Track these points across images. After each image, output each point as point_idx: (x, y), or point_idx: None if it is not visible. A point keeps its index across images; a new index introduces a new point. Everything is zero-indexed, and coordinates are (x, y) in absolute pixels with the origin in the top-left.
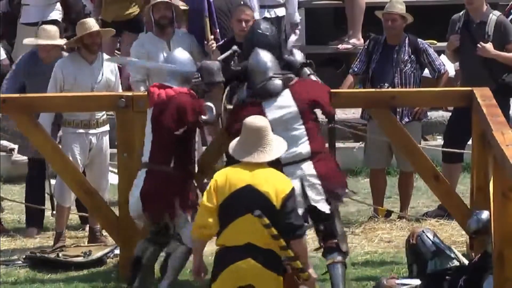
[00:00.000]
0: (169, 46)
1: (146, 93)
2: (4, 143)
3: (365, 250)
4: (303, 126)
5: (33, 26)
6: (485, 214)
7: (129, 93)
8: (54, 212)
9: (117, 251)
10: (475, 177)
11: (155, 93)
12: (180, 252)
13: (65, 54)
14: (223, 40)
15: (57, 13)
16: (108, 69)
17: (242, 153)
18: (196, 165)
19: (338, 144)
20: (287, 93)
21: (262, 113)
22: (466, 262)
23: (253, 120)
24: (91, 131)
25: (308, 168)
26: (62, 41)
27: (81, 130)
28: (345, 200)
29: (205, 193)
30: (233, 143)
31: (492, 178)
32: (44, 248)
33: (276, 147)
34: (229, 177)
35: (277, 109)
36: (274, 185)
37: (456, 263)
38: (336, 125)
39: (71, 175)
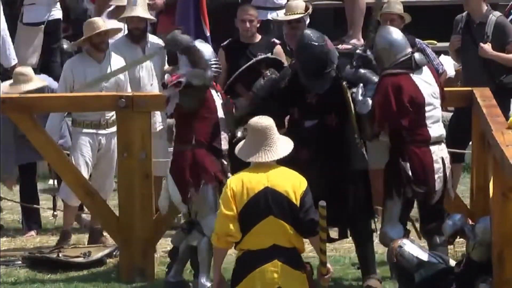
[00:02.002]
0: (144, 52)
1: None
2: None
3: None
4: (439, 107)
5: (37, 26)
6: (458, 217)
7: (129, 93)
8: (56, 213)
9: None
10: (475, 177)
11: (172, 77)
12: (204, 244)
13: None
14: (228, 40)
15: (59, 13)
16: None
17: (248, 153)
18: (224, 142)
19: None
20: (427, 70)
21: (412, 82)
22: (452, 262)
23: (258, 120)
24: (101, 131)
25: (445, 150)
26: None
27: (91, 130)
28: None
29: (221, 201)
30: (240, 144)
31: (492, 178)
32: (44, 248)
33: (282, 146)
34: (245, 182)
35: (424, 83)
36: (291, 184)
37: (442, 266)
38: None
39: (72, 176)
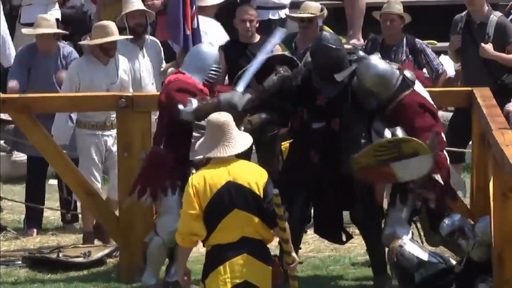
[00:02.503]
0: (143, 53)
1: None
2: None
3: (365, 250)
4: None
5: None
6: (457, 217)
7: (129, 93)
8: (69, 215)
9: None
10: (475, 177)
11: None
12: (154, 242)
13: (61, 44)
14: (226, 41)
15: (58, 13)
16: (122, 69)
17: (208, 149)
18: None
19: None
20: (418, 83)
21: (418, 96)
22: (453, 261)
23: (217, 116)
24: (106, 132)
25: None
26: (60, 30)
27: (96, 132)
28: None
29: (183, 200)
30: (200, 141)
31: (492, 178)
32: (44, 249)
33: (241, 141)
34: (207, 179)
35: (426, 94)
36: (252, 176)
37: (442, 266)
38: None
39: (72, 175)
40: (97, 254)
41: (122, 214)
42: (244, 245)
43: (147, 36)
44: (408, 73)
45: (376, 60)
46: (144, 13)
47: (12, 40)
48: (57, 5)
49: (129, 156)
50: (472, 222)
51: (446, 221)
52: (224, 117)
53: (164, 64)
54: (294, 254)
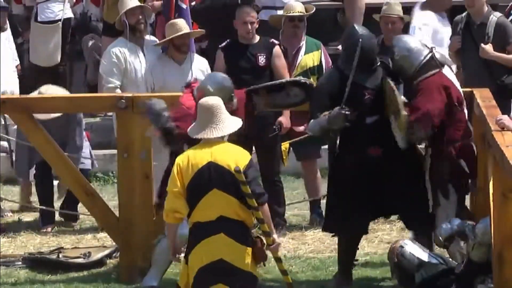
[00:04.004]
0: (143, 52)
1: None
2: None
3: (365, 251)
4: None
5: (54, 24)
6: (457, 221)
7: (129, 94)
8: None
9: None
10: (477, 177)
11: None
12: (163, 246)
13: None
14: (226, 41)
15: (70, 12)
16: (199, 71)
17: (197, 131)
18: None
19: (325, 147)
20: (448, 69)
21: (446, 79)
22: (453, 263)
23: (207, 99)
24: None
25: None
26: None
27: None
28: None
29: (169, 179)
30: (192, 124)
31: (492, 179)
32: (44, 249)
33: (229, 124)
34: (190, 159)
35: (455, 80)
36: (234, 158)
37: (442, 267)
38: None
39: (72, 176)
40: (97, 255)
41: (122, 215)
42: (221, 224)
43: (147, 37)
44: (438, 55)
45: (409, 37)
46: (143, 11)
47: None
48: (68, 5)
49: (129, 156)
50: (473, 223)
51: (444, 225)
52: (213, 100)
53: None
54: (275, 236)
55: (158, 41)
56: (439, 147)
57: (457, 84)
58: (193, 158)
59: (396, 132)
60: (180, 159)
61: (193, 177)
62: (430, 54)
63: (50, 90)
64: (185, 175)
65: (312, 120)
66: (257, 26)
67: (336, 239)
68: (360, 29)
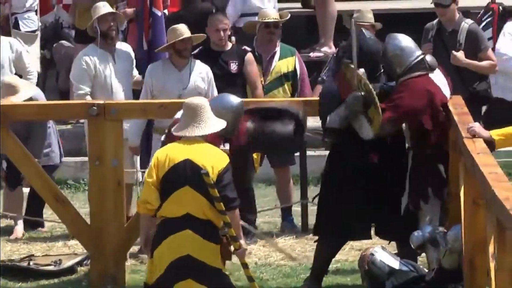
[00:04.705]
0: (114, 58)
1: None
2: None
3: (335, 258)
4: None
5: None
6: (429, 229)
7: (101, 101)
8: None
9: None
10: (449, 184)
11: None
12: None
13: None
14: (198, 49)
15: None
16: (199, 76)
17: (179, 129)
18: None
19: (309, 152)
20: (439, 72)
21: (431, 83)
22: (424, 270)
23: (192, 99)
24: None
25: None
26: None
27: None
28: (316, 209)
29: (147, 170)
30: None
31: (463, 186)
32: (14, 257)
33: (211, 124)
34: (169, 153)
35: (442, 85)
36: (211, 160)
37: (413, 274)
38: (307, 133)
39: (43, 182)
40: (68, 262)
41: (94, 222)
42: (187, 221)
43: (118, 44)
44: (429, 58)
45: (402, 36)
46: (115, 17)
47: None
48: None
49: (101, 164)
50: (445, 230)
51: (416, 233)
52: (197, 100)
53: (135, 73)
54: (242, 241)
55: (130, 48)
56: (420, 150)
57: (444, 88)
58: (171, 152)
59: (363, 123)
60: (160, 152)
61: (168, 171)
62: (422, 56)
63: (13, 80)
64: (161, 168)
65: (329, 115)
66: (229, 33)
67: (307, 246)
68: (366, 33)
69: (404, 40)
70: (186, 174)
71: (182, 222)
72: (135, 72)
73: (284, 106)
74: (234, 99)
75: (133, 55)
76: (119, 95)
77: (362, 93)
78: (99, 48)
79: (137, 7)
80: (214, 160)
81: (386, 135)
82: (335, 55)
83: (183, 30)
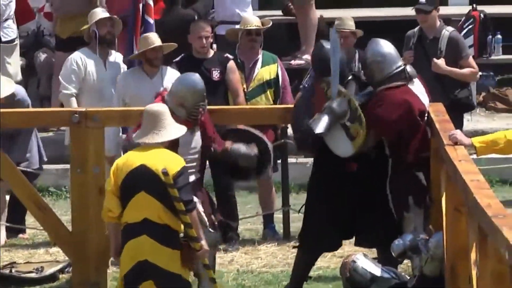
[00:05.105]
0: (105, 65)
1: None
2: None
3: (317, 265)
4: None
5: (14, 42)
6: (409, 237)
7: (83, 109)
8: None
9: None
10: (431, 191)
11: None
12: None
13: None
14: (180, 56)
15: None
16: (169, 82)
17: (139, 136)
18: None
19: (291, 160)
20: (418, 81)
21: (410, 93)
22: (406, 277)
23: (152, 106)
24: None
25: None
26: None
27: None
28: (297, 216)
29: (108, 178)
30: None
31: (444, 193)
32: None
33: (171, 131)
34: (126, 160)
35: (421, 94)
36: (165, 163)
37: (395, 281)
38: (288, 141)
39: (23, 189)
40: (49, 270)
41: (75, 229)
42: (145, 226)
43: (112, 52)
44: (410, 69)
45: (385, 42)
46: (113, 23)
47: None
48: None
49: (82, 171)
50: (426, 237)
51: (397, 241)
52: (158, 107)
53: None
54: (203, 242)
55: (120, 56)
56: (399, 159)
57: (423, 96)
58: (129, 159)
59: (341, 139)
60: (120, 160)
61: (124, 177)
62: (403, 67)
63: None
64: (119, 175)
65: (312, 123)
66: (211, 40)
67: (288, 254)
68: (325, 43)
69: (387, 47)
70: (140, 180)
71: (140, 227)
72: None
73: (257, 133)
74: (192, 75)
75: (124, 66)
76: (106, 102)
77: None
78: (94, 52)
79: (126, 15)
80: (168, 163)
81: (366, 149)
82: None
83: (154, 38)
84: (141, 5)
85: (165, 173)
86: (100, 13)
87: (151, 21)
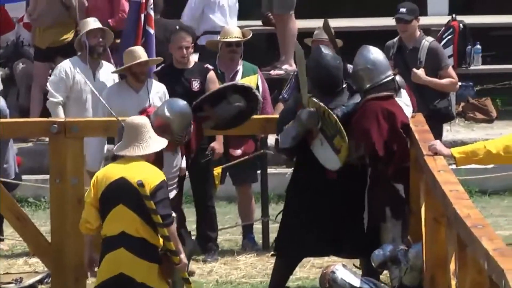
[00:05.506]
0: (95, 75)
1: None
2: None
3: (296, 276)
4: None
5: None
6: (389, 247)
7: (62, 119)
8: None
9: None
10: (410, 202)
11: None
12: None
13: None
14: (160, 66)
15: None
16: (157, 96)
17: (120, 148)
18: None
19: (271, 170)
20: (404, 92)
21: (400, 106)
22: None
23: (133, 118)
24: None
25: None
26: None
27: None
28: (276, 226)
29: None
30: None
31: (424, 203)
32: None
33: (152, 144)
34: (106, 172)
35: (405, 106)
36: (144, 177)
37: None
38: (268, 151)
39: (2, 200)
40: (28, 281)
41: (54, 240)
42: (122, 239)
43: (104, 63)
44: (399, 79)
45: (375, 49)
46: (103, 34)
47: None
48: None
49: (62, 181)
50: (406, 248)
51: (377, 252)
52: (138, 120)
53: None
54: (182, 255)
55: (112, 67)
56: (379, 170)
57: (407, 108)
58: (109, 172)
59: (328, 154)
60: (100, 172)
61: (104, 190)
62: (392, 76)
63: None
64: (99, 187)
65: (280, 135)
66: (192, 51)
67: (268, 264)
68: (323, 49)
69: (378, 55)
70: (120, 192)
71: (118, 240)
72: None
73: (221, 86)
74: (181, 102)
75: (115, 77)
76: (93, 113)
77: (314, 109)
78: (84, 62)
79: (123, 26)
80: (147, 176)
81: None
82: (295, 73)
83: (140, 53)
84: (143, 16)
85: (140, 185)
86: (92, 23)
87: (152, 31)
